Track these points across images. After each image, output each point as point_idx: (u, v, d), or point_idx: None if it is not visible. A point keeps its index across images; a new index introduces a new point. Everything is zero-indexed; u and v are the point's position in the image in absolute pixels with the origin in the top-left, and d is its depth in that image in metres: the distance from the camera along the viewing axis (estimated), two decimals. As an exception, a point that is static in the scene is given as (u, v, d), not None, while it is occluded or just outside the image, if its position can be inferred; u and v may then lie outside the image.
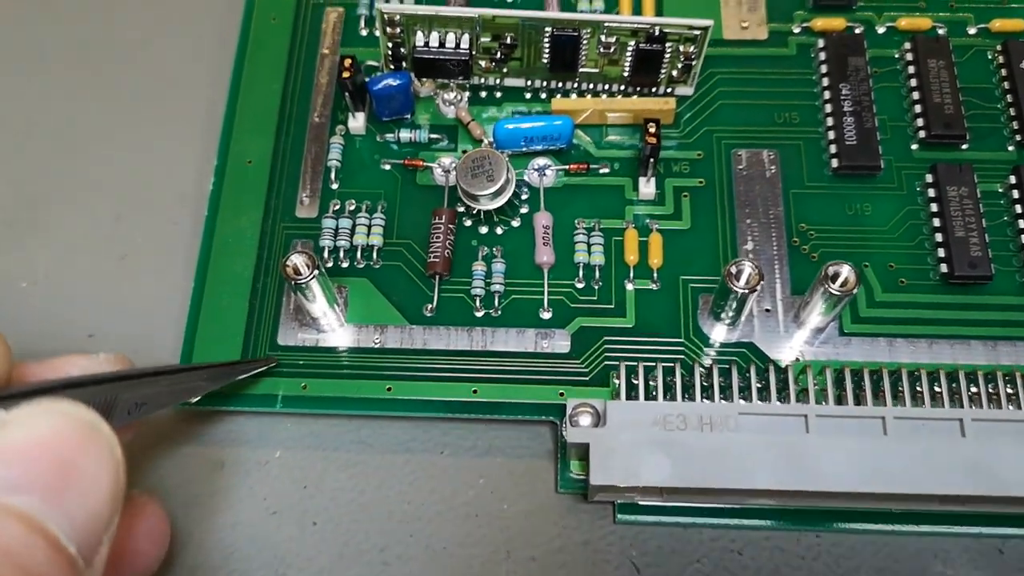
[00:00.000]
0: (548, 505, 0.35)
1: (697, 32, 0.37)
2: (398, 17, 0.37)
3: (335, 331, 0.37)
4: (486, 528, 0.35)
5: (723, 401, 0.34)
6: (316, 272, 0.33)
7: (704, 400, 0.34)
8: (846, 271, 0.33)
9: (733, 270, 0.33)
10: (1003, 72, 0.41)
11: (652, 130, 0.37)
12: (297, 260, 0.33)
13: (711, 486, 0.31)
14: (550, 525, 0.35)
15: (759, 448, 0.31)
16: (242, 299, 0.37)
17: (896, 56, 0.41)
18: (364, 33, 0.43)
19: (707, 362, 0.35)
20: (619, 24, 0.37)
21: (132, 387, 0.27)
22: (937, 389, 0.34)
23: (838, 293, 0.33)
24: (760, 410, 0.33)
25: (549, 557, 0.34)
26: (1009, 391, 0.34)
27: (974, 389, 0.34)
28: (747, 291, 0.33)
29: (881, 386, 0.34)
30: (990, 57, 0.41)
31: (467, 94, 0.41)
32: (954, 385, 0.34)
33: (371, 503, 0.35)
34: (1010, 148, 0.39)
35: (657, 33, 0.37)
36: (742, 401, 0.34)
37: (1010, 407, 0.33)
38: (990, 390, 0.34)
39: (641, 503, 0.34)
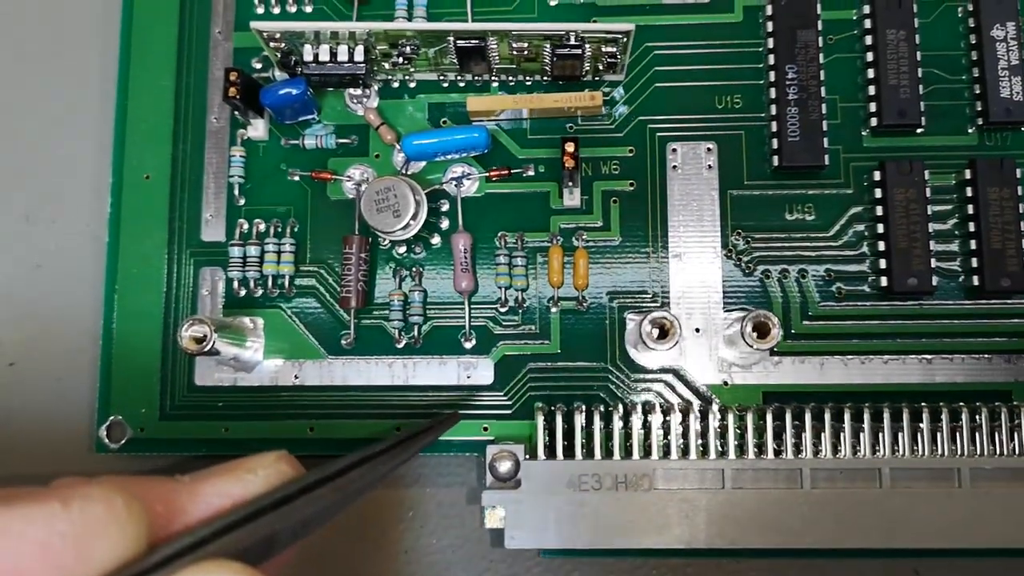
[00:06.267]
0: (475, 538, 0.40)
1: (619, 36, 0.37)
2: (279, 34, 0.37)
3: (253, 369, 0.40)
4: (414, 565, 0.40)
5: (641, 455, 0.37)
6: (214, 338, 0.36)
7: (623, 452, 0.37)
8: (772, 328, 0.35)
9: (647, 327, 0.36)
10: (971, 39, 0.40)
11: (570, 150, 0.38)
12: (193, 333, 0.36)
13: (625, 547, 0.36)
14: (477, 560, 0.40)
15: (675, 507, 0.36)
16: (154, 337, 0.40)
17: (854, 18, 0.41)
18: (260, 10, 0.42)
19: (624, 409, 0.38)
20: (528, 32, 0.37)
21: (298, 508, 0.25)
22: (859, 424, 0.37)
23: (757, 347, 0.35)
24: (676, 465, 0.37)
25: (477, 590, 0.39)
26: (932, 416, 0.37)
27: (897, 424, 0.37)
28: (666, 348, 0.36)
29: (803, 426, 0.37)
30: (960, 15, 0.41)
31: (377, 87, 0.41)
32: (877, 424, 0.37)
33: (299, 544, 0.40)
34: (970, 131, 0.40)
35: (573, 40, 0.37)
36: (661, 454, 0.37)
37: (936, 435, 0.37)
38: (912, 420, 0.37)
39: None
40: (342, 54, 0.38)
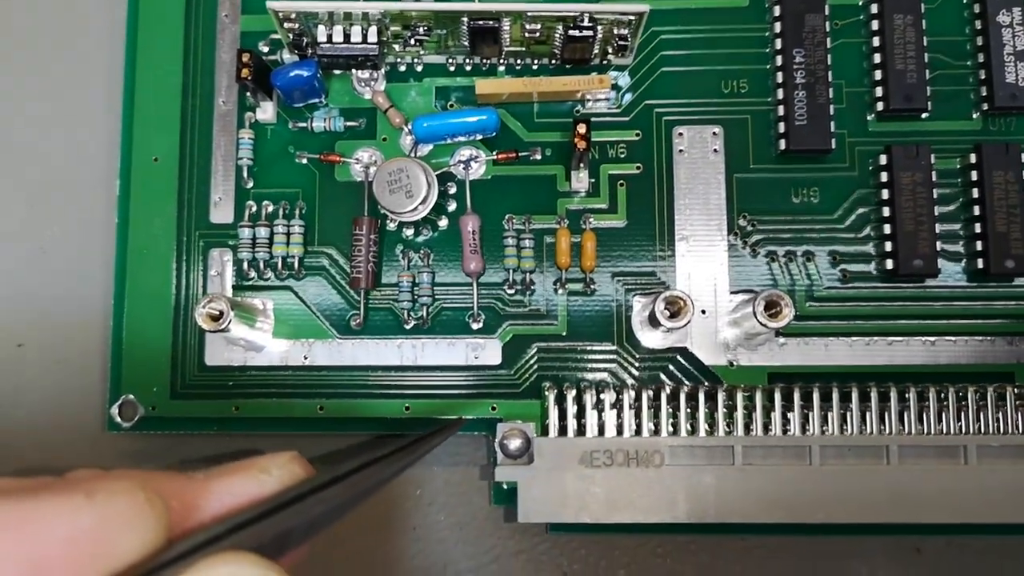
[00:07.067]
0: (483, 515, 0.41)
1: (631, 18, 0.38)
2: (294, 15, 0.38)
3: (262, 350, 0.40)
4: (423, 542, 0.40)
5: (651, 432, 0.38)
6: (231, 316, 0.37)
7: (633, 431, 0.38)
8: (783, 304, 0.36)
9: (661, 305, 0.36)
10: (977, 24, 0.41)
11: (582, 131, 0.38)
12: (210, 310, 0.37)
13: (637, 521, 0.37)
14: (486, 537, 0.40)
15: (685, 483, 0.36)
16: (164, 318, 0.41)
17: (860, 3, 0.42)
18: (267, -6, 0.43)
19: (634, 382, 0.39)
20: (543, 13, 0.38)
21: (309, 507, 0.26)
22: (866, 404, 0.38)
23: (769, 324, 0.36)
24: (686, 442, 0.37)
25: (484, 568, 0.40)
26: (939, 397, 0.38)
27: (904, 405, 0.38)
28: (678, 326, 0.36)
29: (811, 406, 0.38)
30: (965, 1, 0.41)
31: (384, 70, 0.42)
32: (884, 404, 0.38)
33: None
34: (974, 116, 0.41)
35: (586, 21, 0.38)
36: (670, 431, 0.38)
37: (942, 414, 0.38)
38: (919, 401, 0.38)
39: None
40: (355, 35, 0.39)
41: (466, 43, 0.40)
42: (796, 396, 0.38)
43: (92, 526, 0.21)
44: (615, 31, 0.39)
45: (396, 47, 0.40)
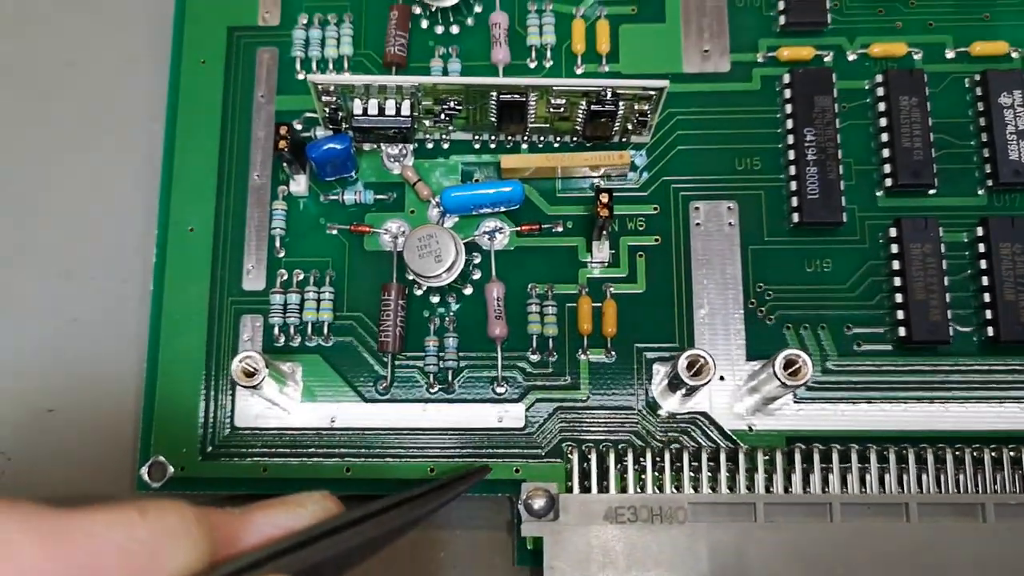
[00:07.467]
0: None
1: (652, 93, 0.40)
2: (332, 87, 0.40)
3: (291, 411, 0.41)
4: (446, 607, 0.41)
5: (674, 490, 0.39)
6: (266, 373, 0.38)
7: (655, 490, 0.39)
8: (802, 362, 0.37)
9: (684, 363, 0.38)
10: (979, 106, 0.44)
11: (604, 200, 0.40)
12: (246, 366, 0.38)
13: (659, 578, 0.37)
14: (509, 598, 0.41)
15: (708, 539, 0.37)
16: (196, 380, 0.42)
17: (867, 88, 0.44)
18: (301, 76, 0.45)
19: (658, 445, 0.40)
20: (568, 88, 0.40)
21: (342, 541, 0.27)
22: (884, 465, 0.39)
23: (788, 383, 0.37)
24: (709, 499, 0.38)
25: (507, 633, 0.40)
26: (956, 459, 0.39)
27: (922, 465, 0.39)
28: (701, 384, 0.38)
29: (830, 466, 0.39)
30: (967, 85, 0.44)
31: (412, 146, 0.44)
32: (903, 465, 0.39)
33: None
34: (980, 192, 0.43)
35: (609, 96, 0.40)
36: (692, 490, 0.39)
37: (959, 477, 0.39)
38: (936, 463, 0.39)
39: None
40: (389, 108, 0.41)
41: (493, 118, 0.42)
42: (816, 457, 0.39)
43: (145, 539, 0.22)
44: (635, 107, 0.41)
45: (426, 122, 0.43)
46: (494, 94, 0.41)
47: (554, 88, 0.40)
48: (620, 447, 0.40)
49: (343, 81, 0.40)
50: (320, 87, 0.40)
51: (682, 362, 0.38)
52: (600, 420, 0.41)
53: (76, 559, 0.21)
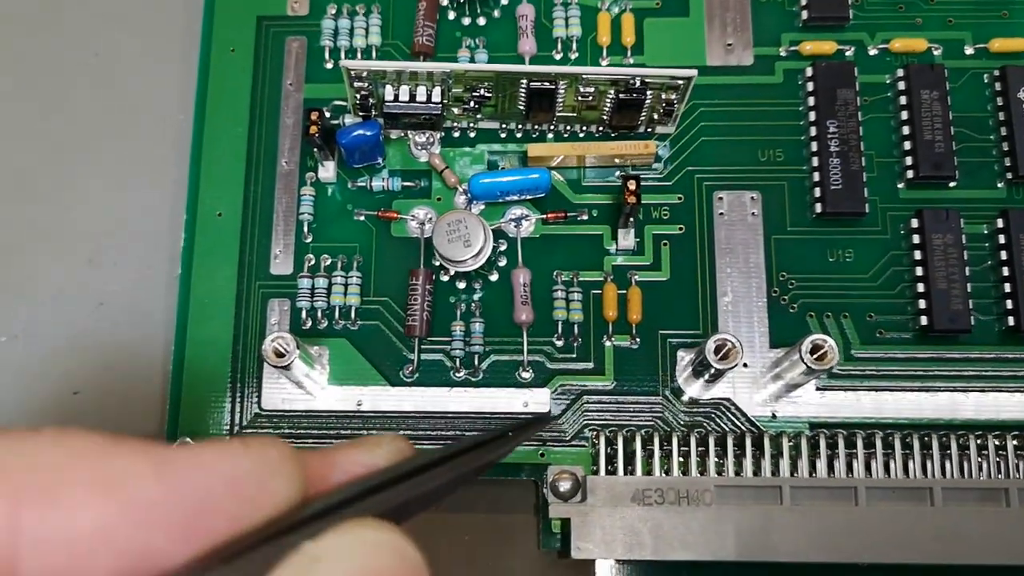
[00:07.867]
0: (531, 562, 0.42)
1: (680, 82, 0.41)
2: (365, 73, 0.41)
3: (317, 395, 0.42)
4: (472, 589, 0.41)
5: (699, 473, 0.39)
6: (296, 354, 0.38)
7: (680, 473, 0.39)
8: (828, 347, 0.38)
9: (712, 346, 0.38)
10: (999, 101, 0.44)
11: (632, 187, 0.41)
12: (277, 346, 0.38)
13: (688, 559, 0.38)
14: (534, 581, 0.41)
15: (734, 522, 0.38)
16: (223, 363, 0.43)
17: (888, 82, 0.45)
18: (329, 66, 0.46)
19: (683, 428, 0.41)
20: (598, 76, 0.41)
21: (421, 483, 0.26)
22: (908, 452, 0.39)
23: (815, 367, 0.38)
24: (735, 482, 0.39)
25: (532, 616, 0.41)
26: (979, 446, 0.39)
27: (946, 451, 0.39)
28: (728, 368, 0.38)
29: (855, 452, 0.39)
30: (986, 81, 0.45)
31: (440, 134, 0.45)
32: (926, 452, 0.39)
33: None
34: (999, 185, 0.44)
35: (638, 84, 0.41)
36: (716, 475, 0.39)
37: (982, 463, 0.39)
38: (959, 450, 0.39)
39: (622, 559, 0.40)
40: (420, 95, 0.42)
41: (522, 107, 0.43)
42: (841, 443, 0.39)
43: (251, 469, 0.23)
44: (663, 96, 0.42)
45: (455, 110, 0.43)
46: (524, 82, 0.41)
47: (584, 76, 0.41)
48: (644, 432, 0.41)
49: (376, 67, 0.41)
50: (353, 73, 0.41)
51: (710, 345, 0.38)
52: (624, 406, 0.42)
53: (188, 488, 0.22)
